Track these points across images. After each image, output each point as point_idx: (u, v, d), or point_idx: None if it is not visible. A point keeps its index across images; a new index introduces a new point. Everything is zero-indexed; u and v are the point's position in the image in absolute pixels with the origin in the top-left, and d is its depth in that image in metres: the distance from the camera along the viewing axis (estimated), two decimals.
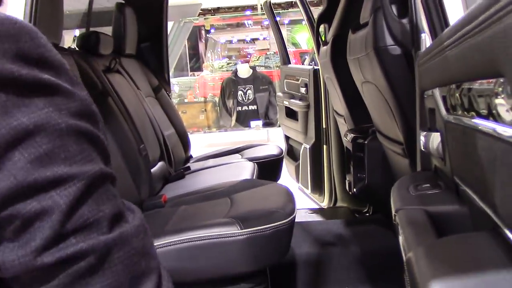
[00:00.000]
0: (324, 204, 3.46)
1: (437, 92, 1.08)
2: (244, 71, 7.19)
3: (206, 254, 1.69)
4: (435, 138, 1.13)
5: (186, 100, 8.27)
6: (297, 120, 3.59)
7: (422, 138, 1.19)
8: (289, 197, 2.02)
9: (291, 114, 3.74)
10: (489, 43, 0.58)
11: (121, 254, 0.51)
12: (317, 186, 3.47)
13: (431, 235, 0.84)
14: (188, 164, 3.09)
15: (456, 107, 0.89)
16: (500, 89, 0.62)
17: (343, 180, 3.24)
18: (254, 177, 2.54)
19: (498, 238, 0.69)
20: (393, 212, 1.06)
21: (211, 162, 3.03)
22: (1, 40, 0.48)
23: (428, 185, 1.12)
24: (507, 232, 0.63)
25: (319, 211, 3.35)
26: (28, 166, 0.48)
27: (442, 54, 0.92)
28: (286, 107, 3.79)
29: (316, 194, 3.54)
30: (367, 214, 3.17)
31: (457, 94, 0.87)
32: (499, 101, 0.64)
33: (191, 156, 3.41)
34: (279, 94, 4.02)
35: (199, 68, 9.55)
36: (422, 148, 1.20)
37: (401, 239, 0.94)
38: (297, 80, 3.60)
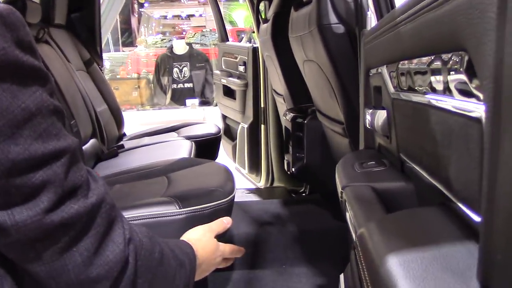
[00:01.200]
0: (261, 184, 3.48)
1: (384, 70, 1.09)
2: (180, 48, 7.06)
3: None
4: (381, 116, 1.14)
5: (118, 76, 8.04)
6: (235, 99, 3.58)
7: (368, 116, 1.20)
8: (228, 175, 2.00)
9: (228, 92, 3.72)
10: (451, 16, 0.58)
11: (102, 210, 0.64)
12: (254, 166, 3.48)
13: (380, 211, 0.85)
14: (122, 142, 3.00)
15: (405, 84, 0.90)
16: (455, 63, 0.63)
17: (281, 160, 3.28)
18: (191, 156, 2.50)
19: (448, 212, 0.70)
20: (339, 189, 1.06)
21: (146, 140, 2.96)
22: (9, 28, 0.55)
23: (373, 162, 1.14)
24: (460, 205, 0.65)
25: (256, 191, 3.37)
26: (35, 142, 0.57)
27: (393, 30, 0.93)
28: (223, 85, 3.76)
29: (253, 174, 3.55)
30: (304, 194, 3.21)
31: (407, 72, 0.88)
32: (454, 76, 0.65)
33: (124, 134, 3.31)
34: (217, 72, 3.97)
35: (132, 44, 9.30)
36: (367, 125, 1.21)
37: (348, 215, 0.94)
38: (236, 58, 3.57)
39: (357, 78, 1.65)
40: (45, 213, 0.58)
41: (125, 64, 8.26)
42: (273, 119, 3.32)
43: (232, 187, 1.88)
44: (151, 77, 7.74)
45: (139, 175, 2.20)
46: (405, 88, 0.90)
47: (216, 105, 4.25)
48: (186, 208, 1.67)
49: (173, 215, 1.66)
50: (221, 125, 3.93)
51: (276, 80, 2.93)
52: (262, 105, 3.36)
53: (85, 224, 0.62)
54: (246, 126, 3.41)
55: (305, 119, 2.45)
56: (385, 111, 1.11)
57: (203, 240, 0.93)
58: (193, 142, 2.70)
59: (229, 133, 3.90)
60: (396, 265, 0.56)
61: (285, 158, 2.72)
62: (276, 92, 3.06)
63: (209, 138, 2.89)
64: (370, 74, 1.29)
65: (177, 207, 1.67)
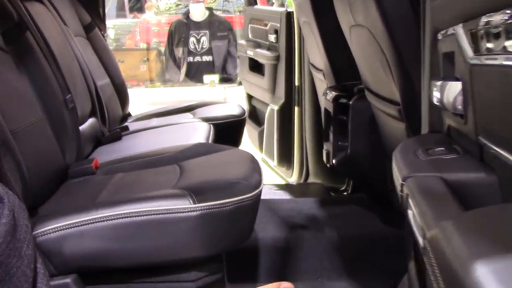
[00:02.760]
0: (293, 179, 3.45)
1: (460, 29, 1.02)
2: (198, 13, 7.04)
3: (148, 234, 1.63)
4: (452, 89, 1.07)
5: (124, 47, 8.06)
6: (263, 75, 3.56)
7: (435, 90, 1.13)
8: (254, 165, 1.97)
9: (256, 67, 3.69)
10: None
11: None
12: (285, 157, 3.45)
13: (456, 207, 0.78)
14: (126, 123, 2.99)
15: (493, 45, 0.83)
16: None
17: (318, 151, 3.24)
18: (209, 141, 2.48)
19: None
20: (399, 180, 1.00)
21: (155, 121, 2.95)
22: None
23: (442, 148, 1.07)
24: None
25: (287, 187, 3.34)
26: None
27: None
28: (250, 58, 3.74)
29: (284, 167, 3.51)
30: (346, 193, 3.16)
31: (496, 26, 0.81)
32: None
33: (129, 114, 3.31)
34: (242, 42, 3.96)
35: (141, 9, 9.33)
36: (434, 102, 1.14)
37: (412, 213, 0.88)
38: (265, 25, 3.54)
39: (418, 47, 1.61)
40: None
41: (133, 33, 8.27)
42: (309, 100, 3.27)
43: (258, 180, 1.84)
44: (162, 49, 7.72)
45: (146, 162, 2.19)
46: (493, 49, 0.83)
47: (240, 84, 4.23)
48: (201, 204, 1.64)
49: (185, 212, 1.64)
50: (246, 106, 3.90)
51: (315, 52, 2.88)
52: (296, 83, 3.33)
53: None
54: (276, 108, 3.38)
55: (350, 99, 2.40)
56: (459, 83, 1.05)
57: None
58: (211, 125, 2.69)
59: (255, 116, 3.88)
60: (487, 274, 0.51)
61: (324, 147, 2.67)
62: (315, 67, 3.01)
63: (231, 121, 2.86)
64: (439, 38, 1.22)
65: (191, 201, 1.64)
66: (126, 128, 2.83)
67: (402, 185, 0.98)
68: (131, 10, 9.29)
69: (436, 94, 1.15)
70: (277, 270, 2.27)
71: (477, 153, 1.00)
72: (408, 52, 1.72)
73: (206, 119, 2.81)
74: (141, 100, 5.32)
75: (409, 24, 1.70)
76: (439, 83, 1.13)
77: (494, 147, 0.89)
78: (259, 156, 3.73)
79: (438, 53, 1.23)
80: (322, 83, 2.89)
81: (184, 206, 1.62)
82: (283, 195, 3.14)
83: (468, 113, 1.03)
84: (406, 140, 1.27)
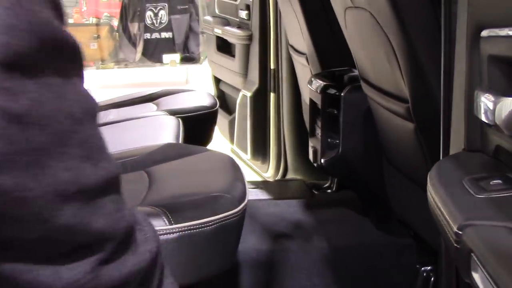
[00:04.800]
0: (269, 174, 3.37)
1: None
2: None
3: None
4: (508, 107, 0.94)
5: (71, 21, 7.86)
6: (234, 56, 3.48)
7: (484, 103, 0.99)
8: (237, 172, 1.86)
9: (224, 47, 3.62)
10: None
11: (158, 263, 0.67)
12: (259, 150, 3.39)
13: None
14: None
15: None
16: None
17: (297, 143, 3.18)
18: (179, 140, 2.36)
19: None
20: (453, 228, 0.86)
21: (113, 114, 2.78)
22: None
23: (498, 181, 0.93)
24: None
25: (263, 185, 3.23)
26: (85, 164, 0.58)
27: None
28: (217, 37, 3.66)
29: (258, 161, 3.45)
30: (330, 191, 3.07)
31: None
32: None
33: None
34: (207, 18, 3.86)
35: None
36: (483, 118, 1.00)
37: (483, 280, 0.74)
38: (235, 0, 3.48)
39: (434, 37, 1.50)
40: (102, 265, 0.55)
41: (79, 4, 8.07)
42: (288, 85, 3.18)
43: (243, 191, 1.74)
44: (116, 23, 7.61)
45: None
46: None
47: (205, 63, 4.14)
48: (179, 225, 1.51)
49: (161, 234, 1.49)
50: (213, 92, 3.82)
51: (296, 33, 2.75)
52: (272, 66, 3.24)
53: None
54: (249, 94, 3.30)
55: (341, 90, 2.29)
56: None
57: None
58: (179, 120, 2.54)
59: (225, 103, 3.80)
60: None
61: (310, 144, 2.56)
62: (295, 49, 2.89)
63: (201, 113, 2.71)
64: (483, 36, 1.07)
65: (166, 222, 1.51)
66: None
67: (458, 234, 0.84)
68: None
69: (484, 108, 1.01)
70: None
71: None
72: (423, 42, 1.62)
73: (173, 112, 2.65)
74: (92, 83, 5.14)
75: (425, 9, 1.60)
76: (488, 96, 0.98)
77: None
78: (229, 147, 3.66)
79: (481, 56, 1.08)
80: (304, 69, 2.77)
81: (159, 227, 1.48)
82: (259, 195, 3.02)
83: None
84: (443, 161, 1.13)
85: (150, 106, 2.91)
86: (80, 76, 0.57)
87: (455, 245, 0.86)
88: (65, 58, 0.54)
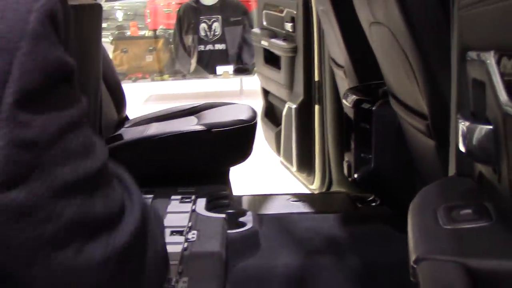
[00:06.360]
0: (315, 187, 3.34)
1: (492, 58, 0.85)
2: None
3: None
4: (481, 134, 0.91)
5: (128, 33, 7.94)
6: (280, 68, 3.46)
7: (462, 130, 0.96)
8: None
9: (271, 59, 3.60)
10: None
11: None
12: (305, 163, 3.35)
13: None
14: (120, 131, 2.86)
15: None
16: None
17: (341, 157, 3.05)
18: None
19: None
20: (411, 258, 0.84)
21: (153, 128, 2.81)
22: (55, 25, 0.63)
23: (469, 211, 0.91)
24: None
25: (307, 198, 3.18)
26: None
27: None
28: (264, 49, 3.65)
29: (304, 173, 3.41)
30: (374, 204, 3.00)
31: None
32: None
33: (127, 118, 3.19)
34: (256, 30, 3.87)
35: None
36: (461, 147, 0.97)
37: None
38: (281, 12, 3.45)
39: (449, 55, 1.46)
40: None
41: (144, 16, 8.12)
42: (331, 98, 3.14)
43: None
44: (171, 34, 7.61)
45: None
46: None
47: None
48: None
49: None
50: (262, 103, 3.85)
51: (335, 46, 2.73)
52: (316, 78, 3.21)
53: None
54: (294, 106, 3.28)
55: (373, 103, 2.24)
56: (490, 127, 0.88)
57: None
58: (213, 133, 2.57)
59: (272, 114, 3.79)
60: None
61: (345, 158, 2.53)
62: (335, 62, 2.86)
63: (239, 128, 2.70)
64: (468, 59, 1.04)
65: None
66: (120, 137, 2.70)
67: (413, 268, 0.82)
68: None
69: (462, 134, 0.98)
70: None
71: None
72: (437, 58, 1.58)
73: (210, 126, 2.66)
74: (147, 95, 5.20)
75: (438, 26, 1.55)
76: (466, 123, 0.96)
77: None
78: (277, 159, 3.64)
79: (467, 77, 1.05)
80: (343, 82, 2.74)
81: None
82: (302, 208, 2.99)
83: (502, 167, 0.86)
84: (427, 188, 1.11)
85: (191, 119, 2.93)
86: (73, 88, 0.64)
87: (411, 278, 0.85)
88: (66, 83, 0.62)
